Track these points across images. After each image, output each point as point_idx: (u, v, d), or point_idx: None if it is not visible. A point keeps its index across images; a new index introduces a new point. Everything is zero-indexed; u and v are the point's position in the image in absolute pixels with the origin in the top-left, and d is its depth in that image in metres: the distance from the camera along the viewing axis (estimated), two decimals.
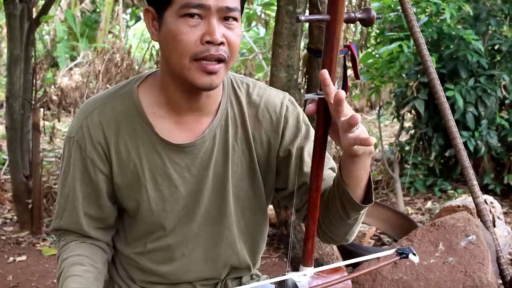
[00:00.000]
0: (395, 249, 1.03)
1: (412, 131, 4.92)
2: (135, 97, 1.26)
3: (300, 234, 2.71)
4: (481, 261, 1.93)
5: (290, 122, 1.31)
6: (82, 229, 1.30)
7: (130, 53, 8.03)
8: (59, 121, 6.72)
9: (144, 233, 1.33)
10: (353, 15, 0.96)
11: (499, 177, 4.57)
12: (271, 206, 2.98)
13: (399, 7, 4.22)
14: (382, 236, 3.72)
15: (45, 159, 4.89)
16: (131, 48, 8.28)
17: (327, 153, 1.33)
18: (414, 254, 1.01)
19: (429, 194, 4.64)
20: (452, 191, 4.56)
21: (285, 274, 1.06)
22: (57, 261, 1.31)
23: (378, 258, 1.13)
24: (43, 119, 5.28)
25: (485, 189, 4.39)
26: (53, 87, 7.58)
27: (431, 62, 2.46)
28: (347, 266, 3.02)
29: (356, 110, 8.28)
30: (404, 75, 4.62)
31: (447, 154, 4.52)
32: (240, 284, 1.43)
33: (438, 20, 4.41)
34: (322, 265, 1.14)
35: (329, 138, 1.05)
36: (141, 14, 9.77)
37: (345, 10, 0.95)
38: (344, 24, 1.00)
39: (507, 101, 4.44)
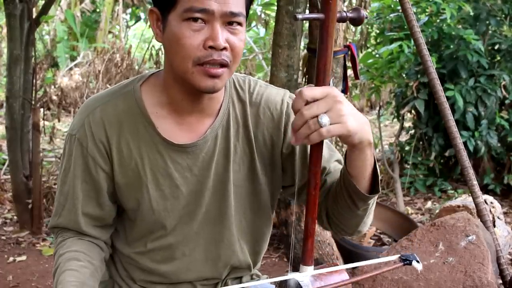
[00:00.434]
0: (399, 255, 1.03)
1: (412, 131, 4.92)
2: (138, 96, 1.26)
3: (300, 234, 2.71)
4: (481, 261, 1.93)
5: (291, 118, 1.31)
6: (80, 227, 1.30)
7: (130, 53, 8.03)
8: (59, 121, 6.72)
9: (144, 232, 1.33)
10: (344, 14, 0.98)
11: (499, 177, 4.57)
12: None
13: (399, 7, 4.23)
14: (382, 236, 3.72)
15: (45, 159, 4.89)
16: (131, 48, 8.27)
17: (332, 146, 1.33)
18: (418, 261, 1.00)
19: (429, 194, 4.64)
20: (452, 191, 4.56)
21: (286, 274, 1.06)
22: (53, 257, 1.30)
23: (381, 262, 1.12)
24: (43, 119, 5.28)
25: (485, 189, 4.39)
26: (53, 87, 7.58)
27: (431, 62, 2.46)
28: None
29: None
30: (404, 75, 4.62)
31: (447, 154, 4.52)
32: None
33: (438, 20, 4.41)
34: (321, 264, 1.14)
35: None
36: (141, 14, 9.78)
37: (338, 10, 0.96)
38: (345, 24, 1.01)
39: (507, 101, 4.44)
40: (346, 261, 3.02)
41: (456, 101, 4.14)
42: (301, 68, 3.32)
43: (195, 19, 1.11)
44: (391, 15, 4.45)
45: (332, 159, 1.30)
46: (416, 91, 4.35)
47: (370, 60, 4.84)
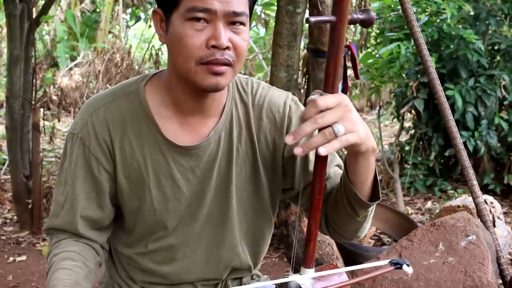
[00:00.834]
0: (390, 259, 1.03)
1: (412, 131, 4.92)
2: (142, 96, 1.26)
3: (300, 235, 2.71)
4: (481, 261, 1.93)
5: (294, 121, 1.31)
6: (76, 229, 1.28)
7: (130, 53, 8.03)
8: (59, 121, 6.72)
9: (146, 233, 1.33)
10: (355, 16, 0.96)
11: (499, 177, 4.57)
12: None
13: (399, 7, 4.22)
14: (382, 236, 3.72)
15: (45, 159, 4.89)
16: (131, 48, 8.28)
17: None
18: (408, 265, 1.01)
19: (429, 194, 4.64)
20: (452, 191, 4.56)
21: (287, 276, 1.06)
22: (47, 258, 1.28)
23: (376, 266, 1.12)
24: (43, 119, 5.28)
25: (485, 189, 4.39)
26: (53, 87, 7.58)
27: (431, 62, 2.46)
28: (347, 265, 3.02)
29: (356, 110, 8.26)
30: (404, 75, 4.62)
31: (446, 154, 4.52)
32: (241, 285, 1.43)
33: (438, 20, 4.41)
34: (321, 265, 1.14)
35: None
36: (141, 14, 9.78)
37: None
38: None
39: (506, 101, 4.44)
40: (346, 261, 3.02)
41: (455, 101, 4.14)
42: (301, 68, 3.33)
43: (198, 19, 1.11)
44: (391, 14, 4.45)
45: (332, 163, 1.30)
46: (416, 91, 4.36)
47: (370, 60, 4.84)
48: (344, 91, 2.85)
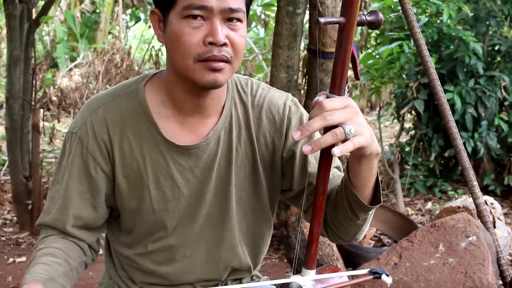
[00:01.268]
0: (369, 269, 1.04)
1: (412, 132, 4.92)
2: (141, 96, 1.26)
3: (301, 235, 2.71)
4: (481, 262, 1.93)
5: (293, 122, 1.31)
6: (65, 227, 1.27)
7: (130, 54, 8.03)
8: (58, 122, 6.72)
9: (145, 233, 1.33)
10: (364, 18, 0.96)
11: (499, 178, 4.56)
12: None
13: (399, 8, 4.22)
14: (382, 237, 3.72)
15: (45, 160, 4.89)
16: (131, 49, 8.27)
17: None
18: (387, 275, 1.01)
19: (429, 195, 4.64)
20: (452, 192, 4.56)
21: (288, 277, 1.06)
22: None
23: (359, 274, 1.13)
24: (43, 120, 5.29)
25: (485, 190, 4.39)
26: (52, 88, 7.57)
27: (431, 63, 2.46)
28: (347, 266, 3.02)
29: None
30: (404, 76, 4.62)
31: (446, 154, 4.52)
32: None
33: (438, 21, 4.41)
34: (321, 266, 1.14)
35: None
36: (141, 15, 9.77)
37: None
38: None
39: (507, 102, 4.43)
40: (346, 262, 3.01)
41: (455, 102, 4.14)
42: (301, 69, 3.32)
43: (195, 16, 1.12)
44: (391, 15, 4.45)
45: (332, 165, 1.30)
46: (416, 92, 4.35)
47: (370, 61, 4.84)
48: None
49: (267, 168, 1.33)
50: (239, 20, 1.15)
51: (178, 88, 1.23)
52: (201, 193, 1.29)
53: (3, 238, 3.67)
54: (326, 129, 0.98)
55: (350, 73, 3.22)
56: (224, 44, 1.13)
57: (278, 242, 3.52)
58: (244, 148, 1.30)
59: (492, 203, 2.98)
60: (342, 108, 0.97)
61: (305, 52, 3.42)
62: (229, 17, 1.13)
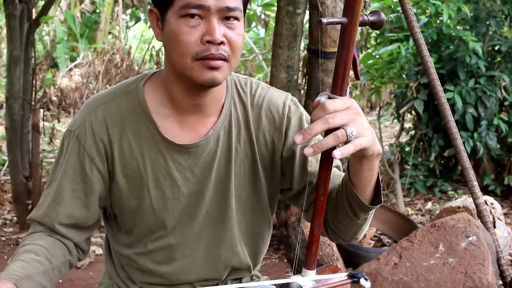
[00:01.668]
0: (348, 272, 1.05)
1: (412, 132, 4.92)
2: (141, 95, 1.26)
3: (301, 235, 2.71)
4: (481, 262, 1.93)
5: (293, 122, 1.31)
6: (53, 224, 1.26)
7: (130, 53, 8.03)
8: (59, 122, 6.72)
9: (145, 232, 1.33)
10: (366, 18, 0.96)
11: (499, 178, 4.56)
12: None
13: (399, 8, 4.23)
14: (382, 237, 3.72)
15: (45, 160, 4.89)
16: (131, 48, 8.27)
17: None
18: (366, 279, 1.02)
19: (429, 195, 4.64)
20: (452, 192, 4.56)
21: (289, 277, 1.06)
22: None
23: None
24: (43, 120, 5.29)
25: (485, 190, 4.39)
26: (52, 88, 7.58)
27: (431, 63, 2.46)
28: (347, 266, 3.02)
29: None
30: (404, 76, 4.62)
31: (446, 154, 4.52)
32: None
33: (438, 21, 4.41)
34: (321, 266, 1.15)
35: None
36: (141, 15, 9.77)
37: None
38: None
39: (506, 102, 4.44)
40: (346, 262, 3.01)
41: (455, 102, 4.14)
42: (301, 69, 3.32)
43: (192, 15, 1.13)
44: (391, 15, 4.45)
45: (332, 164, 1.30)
46: (416, 92, 4.35)
47: (370, 61, 4.85)
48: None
49: (267, 168, 1.33)
50: (236, 18, 1.15)
51: (176, 87, 1.23)
52: (200, 192, 1.29)
53: (3, 238, 3.67)
54: (328, 131, 0.98)
55: (350, 73, 3.22)
56: (222, 43, 1.13)
57: (278, 242, 3.52)
58: (244, 147, 1.30)
59: (492, 203, 2.98)
60: (344, 110, 0.98)
61: (305, 52, 3.42)
62: (226, 15, 1.14)
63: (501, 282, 2.33)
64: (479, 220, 2.33)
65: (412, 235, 2.12)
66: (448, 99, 3.31)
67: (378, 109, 5.44)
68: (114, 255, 1.42)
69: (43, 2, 4.06)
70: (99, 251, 3.38)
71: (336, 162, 1.33)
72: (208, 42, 1.12)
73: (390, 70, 4.41)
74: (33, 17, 3.60)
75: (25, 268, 1.16)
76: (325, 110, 0.96)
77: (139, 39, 9.70)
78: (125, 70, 7.77)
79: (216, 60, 1.14)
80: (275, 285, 1.35)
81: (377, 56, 4.85)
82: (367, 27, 0.99)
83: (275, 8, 3.27)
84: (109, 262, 1.44)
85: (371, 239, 3.57)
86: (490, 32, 4.46)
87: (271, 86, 1.40)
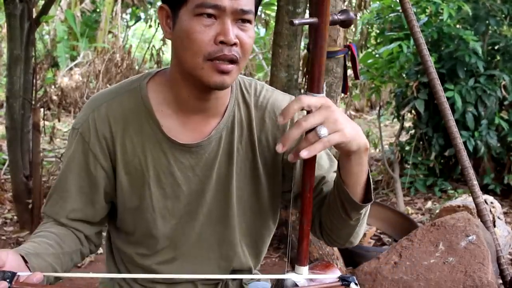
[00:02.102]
0: (339, 275, 1.06)
1: (412, 131, 4.92)
2: (144, 94, 1.26)
3: (296, 233, 2.72)
4: (481, 261, 1.93)
5: None
6: (59, 219, 1.28)
7: (130, 53, 8.04)
8: (59, 121, 6.72)
9: (146, 231, 1.33)
10: (336, 17, 0.99)
11: (499, 177, 4.57)
12: None
13: (399, 7, 4.23)
14: (382, 236, 3.72)
15: (45, 159, 4.89)
16: (131, 48, 8.28)
17: (332, 156, 1.34)
18: (356, 284, 1.02)
19: (429, 194, 4.64)
20: (452, 191, 4.56)
21: (284, 274, 1.07)
22: None
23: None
24: (43, 119, 5.28)
25: (485, 189, 4.39)
26: (53, 87, 7.58)
27: (431, 62, 2.46)
28: (347, 265, 3.02)
29: (357, 110, 8.28)
30: (404, 75, 4.62)
31: (446, 153, 4.52)
32: (241, 285, 1.44)
33: (438, 20, 4.41)
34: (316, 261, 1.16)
35: None
36: (141, 14, 9.77)
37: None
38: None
39: (506, 101, 4.44)
40: (346, 261, 3.02)
41: (455, 101, 4.14)
42: (301, 68, 3.33)
43: (207, 15, 1.13)
44: (391, 15, 4.45)
45: (332, 169, 1.31)
46: (416, 91, 4.36)
47: (370, 60, 4.85)
48: (344, 91, 2.85)
49: (268, 169, 1.33)
50: (249, 21, 1.16)
51: (182, 87, 1.23)
52: (201, 192, 1.30)
53: (3, 237, 3.67)
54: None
55: (350, 72, 3.23)
56: (235, 44, 1.14)
57: (278, 241, 3.52)
58: (245, 148, 1.31)
59: (492, 202, 2.98)
60: (317, 110, 0.99)
61: (305, 51, 3.43)
62: (240, 18, 1.14)
63: (501, 281, 2.33)
64: (479, 219, 2.33)
65: (412, 234, 2.13)
66: (448, 98, 3.32)
67: (378, 108, 5.44)
68: (115, 253, 1.42)
69: (43, 2, 4.06)
70: (100, 250, 3.39)
71: (336, 167, 1.33)
72: (222, 42, 1.13)
73: (390, 69, 4.41)
74: (34, 16, 3.59)
75: (35, 247, 1.18)
76: (300, 103, 0.99)
77: (139, 38, 9.71)
78: (125, 69, 7.78)
79: (227, 64, 1.14)
80: (271, 281, 1.36)
81: (377, 56, 4.85)
82: (340, 26, 1.02)
83: (275, 7, 3.27)
84: (111, 261, 1.44)
85: (371, 238, 3.57)
86: (490, 31, 4.46)
87: (271, 85, 1.41)
